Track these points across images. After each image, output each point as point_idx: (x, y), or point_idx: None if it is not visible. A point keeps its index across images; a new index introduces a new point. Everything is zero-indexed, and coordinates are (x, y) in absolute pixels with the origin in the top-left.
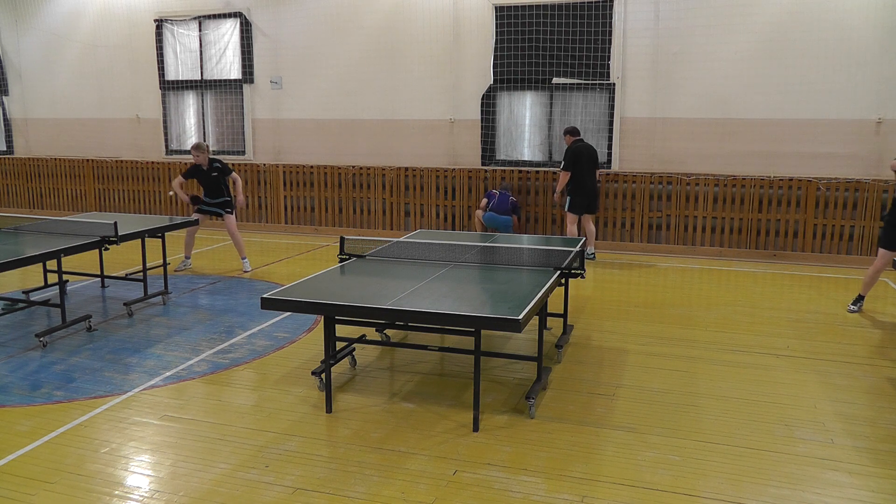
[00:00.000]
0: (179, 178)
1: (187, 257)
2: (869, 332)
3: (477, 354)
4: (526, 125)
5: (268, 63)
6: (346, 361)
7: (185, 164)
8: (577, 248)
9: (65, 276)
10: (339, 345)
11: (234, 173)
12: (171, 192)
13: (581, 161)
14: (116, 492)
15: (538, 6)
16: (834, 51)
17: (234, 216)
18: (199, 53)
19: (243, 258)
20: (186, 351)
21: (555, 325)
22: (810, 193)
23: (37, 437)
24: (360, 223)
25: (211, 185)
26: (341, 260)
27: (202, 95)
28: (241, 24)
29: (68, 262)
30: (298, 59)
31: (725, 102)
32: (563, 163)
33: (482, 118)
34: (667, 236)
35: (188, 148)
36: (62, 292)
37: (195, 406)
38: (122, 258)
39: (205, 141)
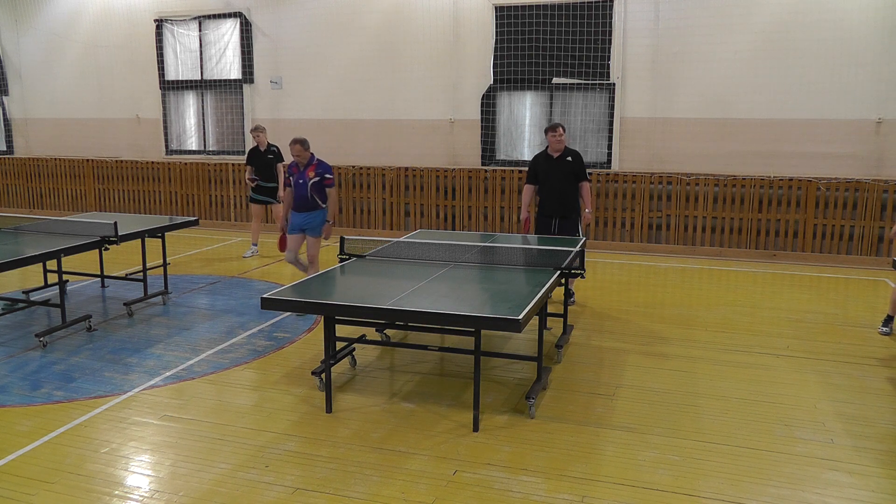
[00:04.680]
0: (248, 168)
1: (254, 244)
2: (869, 332)
3: (477, 354)
4: (526, 125)
5: (268, 63)
6: (346, 361)
7: (185, 163)
8: (578, 248)
9: (65, 276)
10: (339, 345)
11: (282, 164)
12: (248, 177)
13: None
14: (116, 492)
15: (538, 6)
16: (834, 51)
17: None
18: (199, 53)
19: None
20: (186, 351)
21: (555, 325)
22: (810, 193)
23: (37, 437)
24: (360, 223)
25: (264, 167)
26: (341, 260)
27: (202, 95)
28: (241, 24)
29: (68, 262)
30: (298, 59)
31: (725, 102)
32: (587, 172)
33: (482, 118)
34: (667, 236)
35: (188, 148)
36: (62, 292)
37: (195, 406)
38: (122, 258)
39: (205, 141)
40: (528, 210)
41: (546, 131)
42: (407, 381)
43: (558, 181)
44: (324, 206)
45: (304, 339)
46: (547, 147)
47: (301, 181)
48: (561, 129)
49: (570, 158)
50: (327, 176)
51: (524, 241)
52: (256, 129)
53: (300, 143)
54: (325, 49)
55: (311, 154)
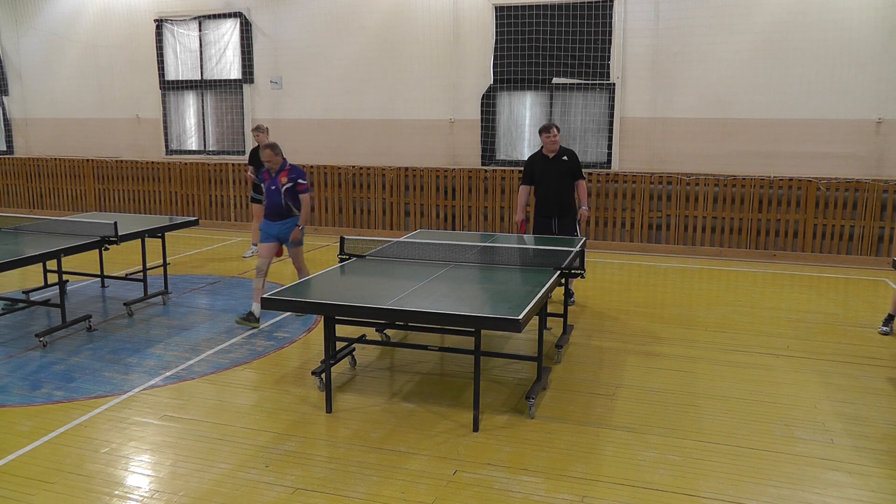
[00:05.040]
0: (249, 168)
1: (254, 244)
2: (869, 332)
3: (477, 354)
4: (526, 125)
5: (268, 63)
6: (346, 361)
7: (185, 163)
8: (578, 248)
9: (65, 276)
10: (339, 345)
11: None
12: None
13: None
14: (116, 492)
15: (538, 6)
16: (834, 51)
17: None
18: (199, 53)
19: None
20: (186, 351)
21: (555, 325)
22: (810, 193)
23: (37, 437)
24: (360, 223)
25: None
26: (341, 260)
27: (202, 95)
28: (241, 24)
29: (68, 262)
30: (298, 59)
31: (725, 102)
32: (587, 172)
33: (482, 118)
34: (667, 236)
35: (188, 148)
36: (62, 292)
37: (195, 406)
38: (122, 258)
39: (205, 141)
40: (524, 211)
41: (540, 132)
42: (407, 381)
43: (555, 181)
44: (298, 212)
45: (304, 339)
46: (542, 147)
47: (273, 188)
48: (555, 129)
49: (565, 158)
50: (300, 181)
51: (524, 241)
52: (257, 129)
53: (270, 148)
54: (325, 49)
55: (284, 159)
